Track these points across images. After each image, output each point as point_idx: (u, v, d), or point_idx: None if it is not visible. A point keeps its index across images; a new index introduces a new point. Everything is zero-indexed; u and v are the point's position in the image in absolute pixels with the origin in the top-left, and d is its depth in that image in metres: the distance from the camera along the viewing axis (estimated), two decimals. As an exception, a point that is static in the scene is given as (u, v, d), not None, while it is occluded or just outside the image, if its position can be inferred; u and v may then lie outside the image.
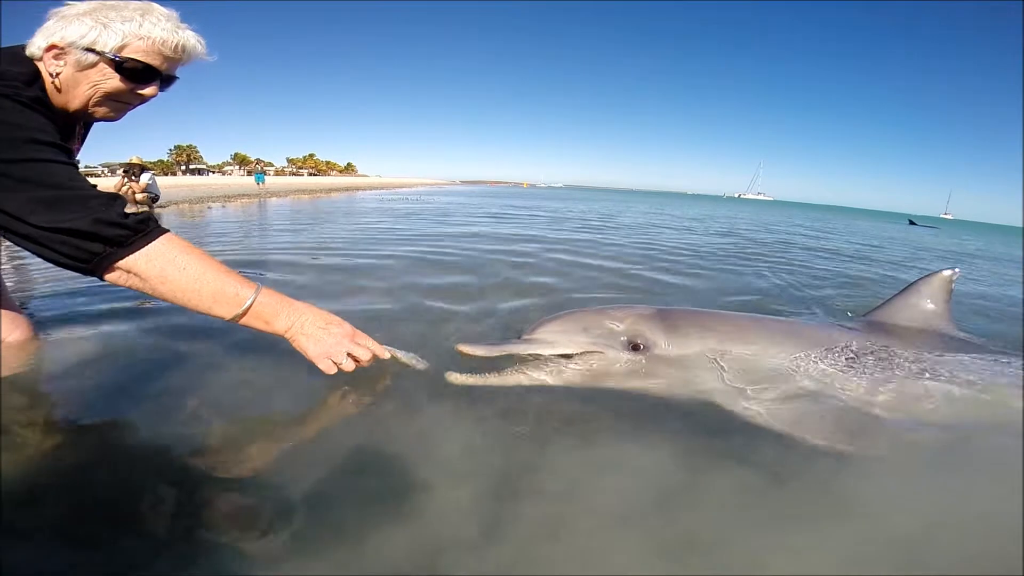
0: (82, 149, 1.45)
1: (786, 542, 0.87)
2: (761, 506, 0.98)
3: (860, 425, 1.18)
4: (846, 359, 1.34)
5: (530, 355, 1.29)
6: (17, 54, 1.13)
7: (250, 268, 3.00)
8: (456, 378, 1.26)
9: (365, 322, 1.37)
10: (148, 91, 1.21)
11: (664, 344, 1.31)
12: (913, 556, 0.86)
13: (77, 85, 1.14)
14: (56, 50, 1.11)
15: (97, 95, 1.16)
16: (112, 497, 0.92)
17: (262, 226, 6.44)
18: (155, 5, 1.17)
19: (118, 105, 1.22)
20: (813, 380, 1.28)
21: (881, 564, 0.84)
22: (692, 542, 0.86)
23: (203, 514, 0.88)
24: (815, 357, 1.33)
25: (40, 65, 1.14)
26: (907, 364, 1.36)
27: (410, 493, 0.94)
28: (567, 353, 1.29)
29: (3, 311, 1.48)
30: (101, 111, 1.21)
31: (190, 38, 1.19)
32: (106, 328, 1.79)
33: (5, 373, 1.33)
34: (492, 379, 1.26)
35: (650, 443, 1.14)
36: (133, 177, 7.22)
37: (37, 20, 1.16)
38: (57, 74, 1.13)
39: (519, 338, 1.36)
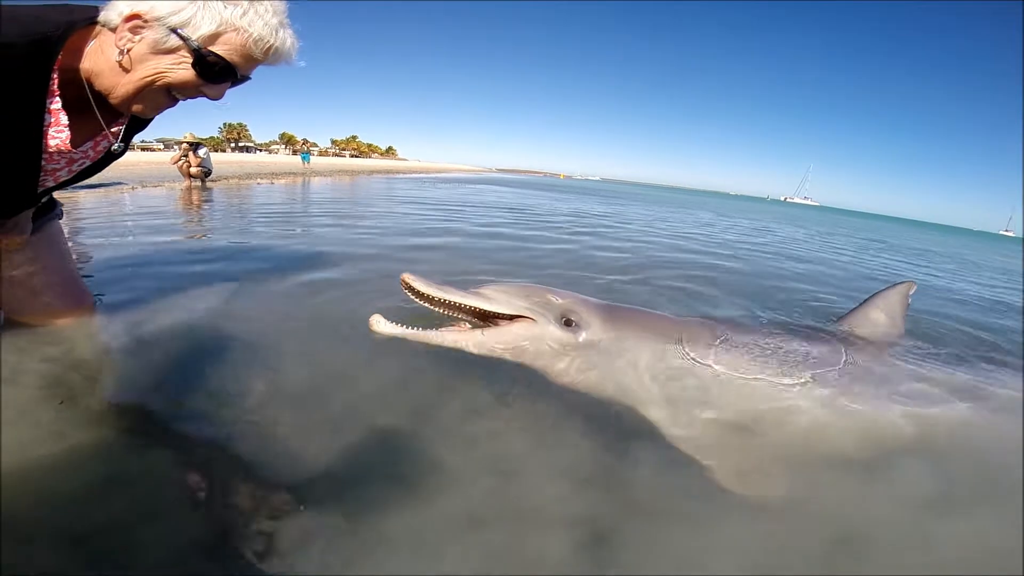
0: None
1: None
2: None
3: (767, 466, 1.14)
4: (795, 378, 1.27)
5: (466, 306, 1.30)
6: (37, 20, 0.91)
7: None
8: (381, 327, 1.26)
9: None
10: (213, 92, 1.02)
11: (597, 331, 1.30)
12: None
13: (139, 67, 0.96)
14: (137, 21, 0.92)
15: (158, 83, 0.97)
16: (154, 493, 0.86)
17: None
18: None
19: (166, 100, 1.03)
20: (746, 403, 1.23)
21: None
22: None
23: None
24: (765, 371, 1.27)
25: (97, 40, 0.97)
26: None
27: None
28: (502, 313, 1.31)
29: (66, 284, 1.39)
30: (141, 106, 1.01)
31: (287, 40, 1.02)
32: (177, 302, 1.71)
33: (61, 349, 1.25)
34: (415, 334, 1.27)
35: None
36: (192, 151, 7.94)
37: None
38: (128, 50, 0.94)
39: (467, 289, 1.36)
